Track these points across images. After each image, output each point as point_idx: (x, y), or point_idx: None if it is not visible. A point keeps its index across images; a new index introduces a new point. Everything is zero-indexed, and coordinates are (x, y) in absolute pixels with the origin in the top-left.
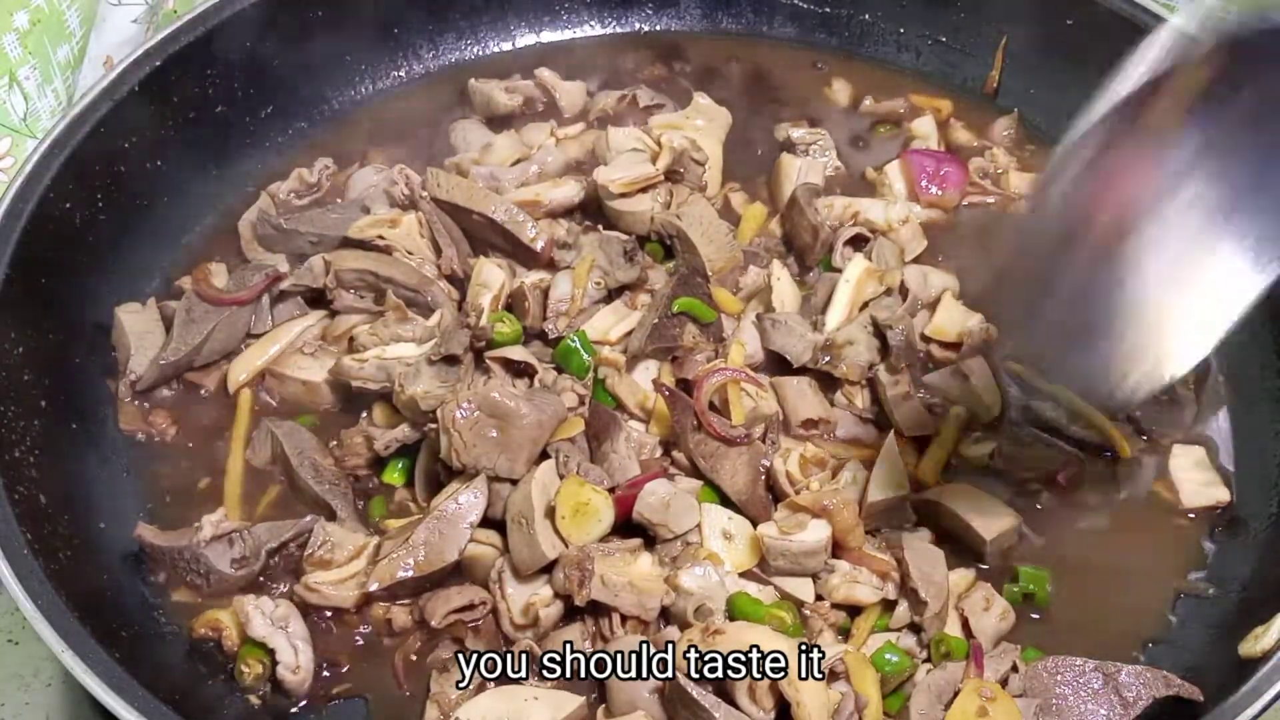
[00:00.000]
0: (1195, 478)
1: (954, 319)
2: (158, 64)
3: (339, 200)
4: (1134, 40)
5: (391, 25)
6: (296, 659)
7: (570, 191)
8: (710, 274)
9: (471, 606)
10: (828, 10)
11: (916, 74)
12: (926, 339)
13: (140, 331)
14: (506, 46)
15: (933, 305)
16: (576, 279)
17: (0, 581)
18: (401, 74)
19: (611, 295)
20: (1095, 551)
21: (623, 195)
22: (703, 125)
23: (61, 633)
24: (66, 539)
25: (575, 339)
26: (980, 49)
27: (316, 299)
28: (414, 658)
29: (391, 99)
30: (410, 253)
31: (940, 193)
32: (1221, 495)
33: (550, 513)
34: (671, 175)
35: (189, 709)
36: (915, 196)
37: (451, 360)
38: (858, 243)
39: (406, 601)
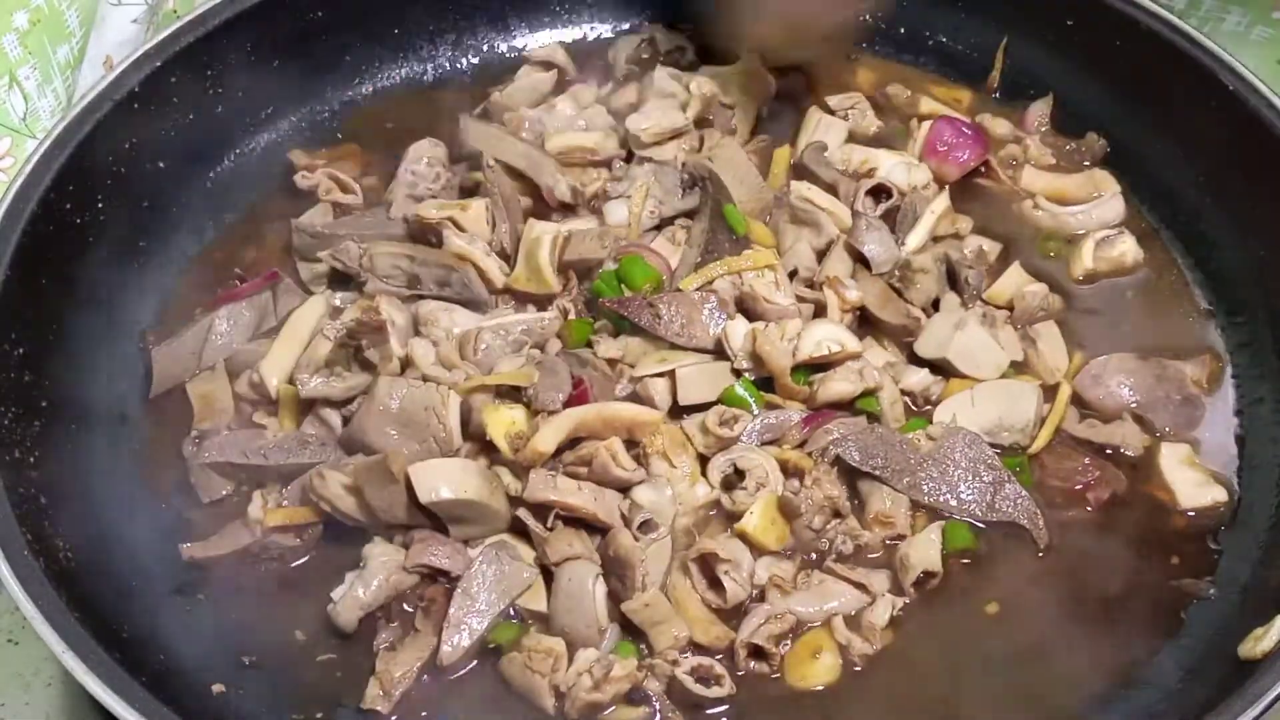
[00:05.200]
0: (1189, 477)
1: (1012, 283)
2: (158, 64)
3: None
4: (1134, 40)
5: (391, 25)
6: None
7: (612, 145)
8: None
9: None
10: None
11: (917, 74)
12: (984, 300)
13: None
14: (506, 46)
15: (993, 270)
16: (632, 206)
17: (0, 581)
18: (402, 74)
19: (661, 226)
20: (1095, 554)
21: (655, 144)
22: (739, 92)
23: (61, 633)
24: (66, 539)
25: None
26: (980, 49)
27: (342, 279)
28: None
29: (392, 99)
30: (474, 236)
31: (938, 164)
32: (1219, 495)
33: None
34: (701, 122)
35: (189, 709)
36: (924, 159)
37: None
38: (878, 194)
39: None
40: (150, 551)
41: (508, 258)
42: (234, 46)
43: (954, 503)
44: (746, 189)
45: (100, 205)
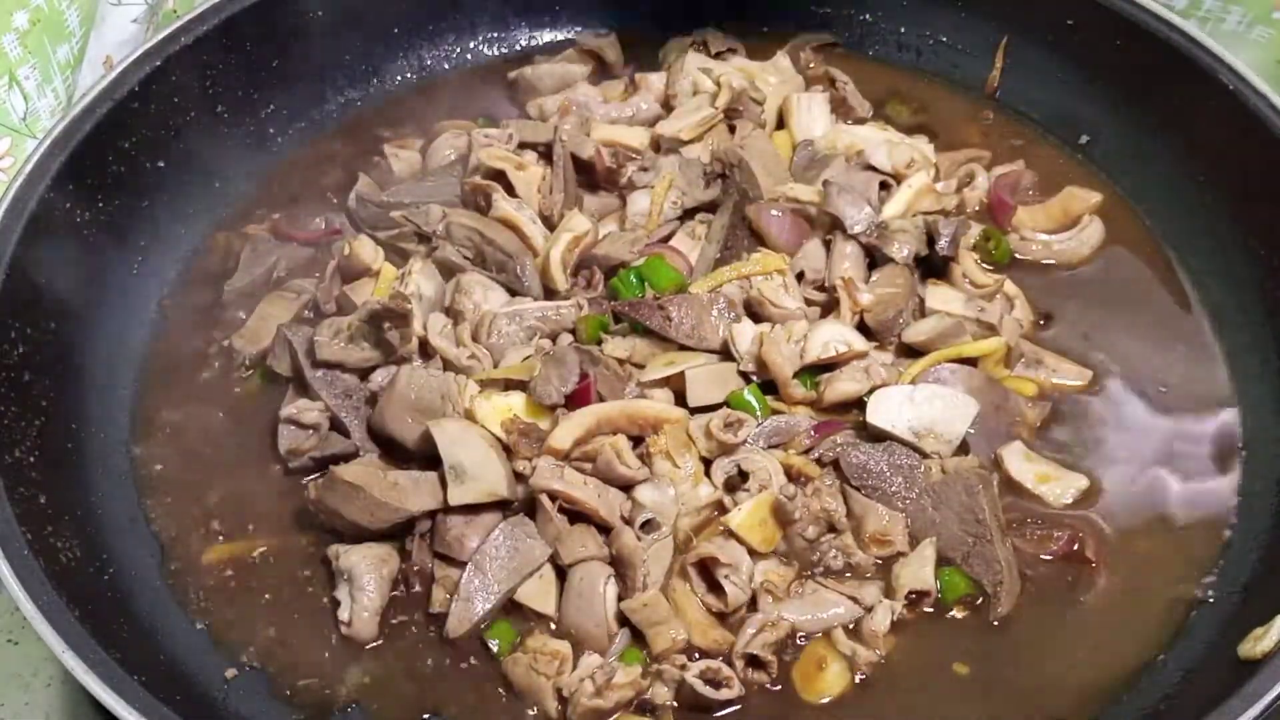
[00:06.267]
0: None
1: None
2: (158, 64)
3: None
4: (1134, 40)
5: (391, 25)
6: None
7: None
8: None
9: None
10: (828, 10)
11: (917, 74)
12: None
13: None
14: (505, 47)
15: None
16: (654, 197)
17: (0, 581)
18: (402, 74)
19: (684, 217)
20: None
21: (687, 142)
22: (775, 83)
23: (61, 633)
24: (66, 539)
25: (633, 275)
26: (980, 49)
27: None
28: None
29: (391, 98)
30: (523, 203)
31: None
32: (1219, 492)
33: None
34: (731, 113)
35: (189, 708)
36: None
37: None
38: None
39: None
40: (150, 552)
41: (553, 228)
42: (234, 46)
43: (936, 541)
44: (773, 180)
45: (100, 205)
